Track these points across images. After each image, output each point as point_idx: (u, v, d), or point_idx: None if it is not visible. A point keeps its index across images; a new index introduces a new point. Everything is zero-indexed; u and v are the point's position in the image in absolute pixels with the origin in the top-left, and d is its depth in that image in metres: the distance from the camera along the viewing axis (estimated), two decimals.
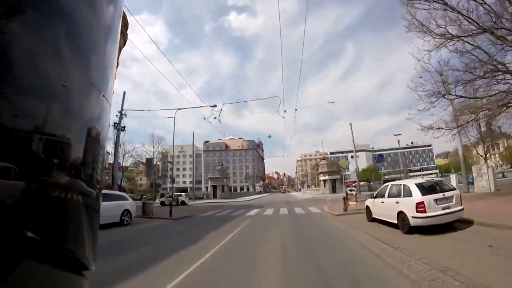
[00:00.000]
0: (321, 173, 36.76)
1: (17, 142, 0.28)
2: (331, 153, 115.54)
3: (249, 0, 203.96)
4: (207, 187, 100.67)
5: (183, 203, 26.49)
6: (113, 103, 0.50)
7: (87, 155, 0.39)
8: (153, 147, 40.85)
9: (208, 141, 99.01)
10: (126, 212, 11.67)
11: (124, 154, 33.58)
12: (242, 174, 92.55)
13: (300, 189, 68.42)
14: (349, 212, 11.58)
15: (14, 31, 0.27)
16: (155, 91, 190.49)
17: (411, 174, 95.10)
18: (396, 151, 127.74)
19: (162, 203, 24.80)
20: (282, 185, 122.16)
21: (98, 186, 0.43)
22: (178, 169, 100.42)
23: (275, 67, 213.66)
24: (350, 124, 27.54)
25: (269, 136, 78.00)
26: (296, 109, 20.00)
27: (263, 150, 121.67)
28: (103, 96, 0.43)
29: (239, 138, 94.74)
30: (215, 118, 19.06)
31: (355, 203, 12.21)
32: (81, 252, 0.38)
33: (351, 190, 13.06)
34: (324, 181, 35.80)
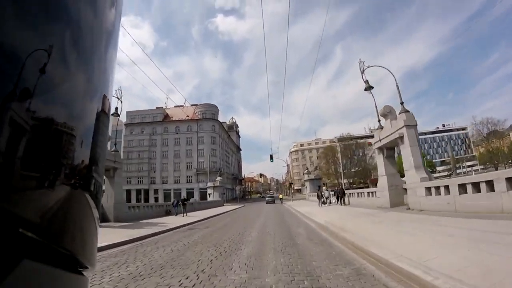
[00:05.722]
0: None
1: (16, 141, 0.27)
2: (339, 140, 77.96)
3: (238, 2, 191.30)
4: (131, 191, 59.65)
5: None
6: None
7: (88, 154, 0.39)
8: None
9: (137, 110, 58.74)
10: None
11: None
12: (192, 165, 52.90)
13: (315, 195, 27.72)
14: None
15: (17, 32, 0.27)
16: (145, 97, 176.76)
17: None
18: (425, 136, 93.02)
19: None
20: (269, 190, 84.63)
21: (98, 184, 0.42)
22: None
23: (264, 72, 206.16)
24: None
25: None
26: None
27: (239, 136, 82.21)
28: (104, 95, 0.42)
29: (192, 105, 54.58)
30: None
31: None
32: (81, 251, 0.37)
33: None
34: None
